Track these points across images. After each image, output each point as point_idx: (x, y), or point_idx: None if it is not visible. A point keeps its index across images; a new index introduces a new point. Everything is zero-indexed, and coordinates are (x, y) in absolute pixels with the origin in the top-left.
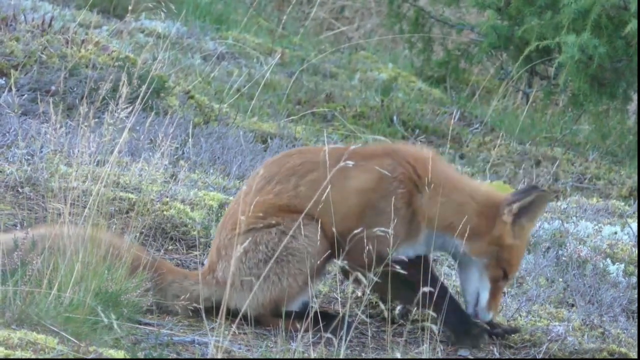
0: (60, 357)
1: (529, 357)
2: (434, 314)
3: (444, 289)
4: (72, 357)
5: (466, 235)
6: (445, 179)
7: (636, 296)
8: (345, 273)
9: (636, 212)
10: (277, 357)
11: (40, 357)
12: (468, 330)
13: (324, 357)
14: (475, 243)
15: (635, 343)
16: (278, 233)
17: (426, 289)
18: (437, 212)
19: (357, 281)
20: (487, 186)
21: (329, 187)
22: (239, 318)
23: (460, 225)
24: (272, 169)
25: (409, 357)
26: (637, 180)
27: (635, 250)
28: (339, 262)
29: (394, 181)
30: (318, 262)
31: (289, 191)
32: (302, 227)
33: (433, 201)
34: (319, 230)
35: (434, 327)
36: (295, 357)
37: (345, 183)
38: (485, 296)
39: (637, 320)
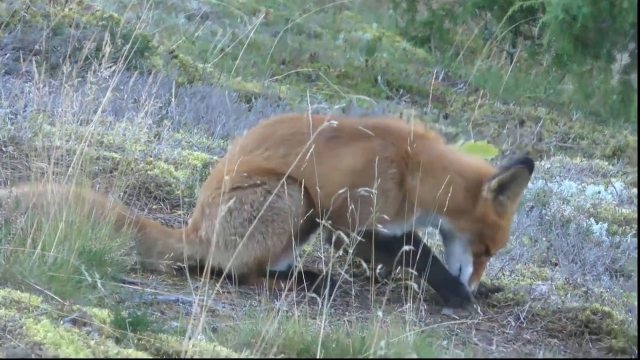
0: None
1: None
2: (416, 273)
3: (426, 250)
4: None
5: (449, 211)
6: (436, 157)
7: (619, 255)
8: (329, 239)
9: (620, 172)
10: (261, 316)
11: (24, 315)
12: (456, 291)
13: (307, 315)
14: (459, 219)
15: (618, 302)
16: (263, 192)
17: (407, 248)
18: (429, 193)
19: (337, 245)
20: (478, 161)
21: (318, 161)
22: (222, 277)
23: (447, 202)
24: (263, 133)
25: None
26: (637, 157)
27: (619, 209)
28: (322, 222)
29: (385, 161)
30: (301, 221)
31: (278, 158)
32: (286, 186)
33: (424, 182)
34: (302, 190)
35: (415, 286)
36: (279, 316)
37: (334, 161)
38: (468, 270)
39: (621, 278)
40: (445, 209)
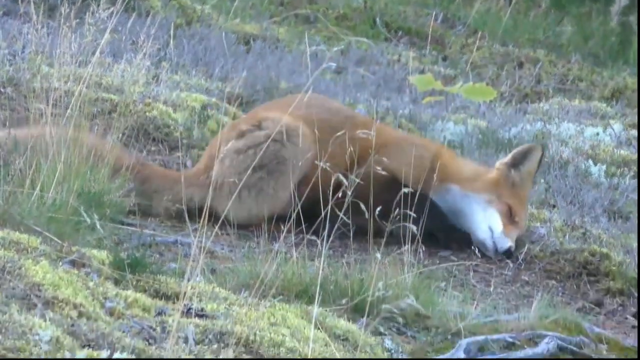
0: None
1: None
2: (415, 215)
3: (424, 196)
4: None
5: (463, 179)
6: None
7: (617, 197)
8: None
9: (618, 114)
10: (260, 258)
11: (24, 257)
12: (453, 236)
13: (306, 257)
14: (470, 183)
15: (616, 243)
16: (265, 137)
17: (406, 190)
18: (449, 171)
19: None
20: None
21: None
22: (221, 220)
23: (462, 171)
24: (306, 109)
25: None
26: (637, 98)
27: (618, 151)
28: (321, 164)
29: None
30: (306, 167)
31: (324, 122)
32: (289, 133)
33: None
34: (302, 133)
35: (414, 228)
36: (278, 258)
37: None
38: (498, 224)
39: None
40: (459, 178)
